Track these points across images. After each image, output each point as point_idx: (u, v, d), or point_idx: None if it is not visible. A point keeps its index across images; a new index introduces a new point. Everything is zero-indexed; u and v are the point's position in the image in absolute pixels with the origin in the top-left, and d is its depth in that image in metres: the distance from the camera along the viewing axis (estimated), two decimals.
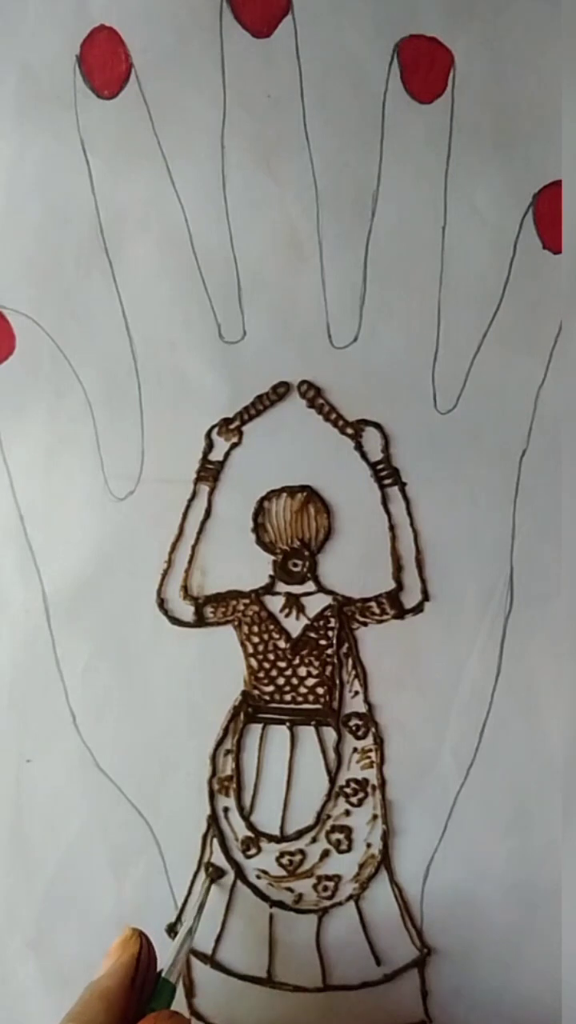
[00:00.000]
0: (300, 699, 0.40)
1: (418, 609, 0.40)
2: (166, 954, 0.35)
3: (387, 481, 0.40)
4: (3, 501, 0.41)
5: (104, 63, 0.40)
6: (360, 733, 0.40)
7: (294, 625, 0.40)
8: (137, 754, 0.40)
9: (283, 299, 0.40)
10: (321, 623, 0.40)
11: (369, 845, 0.40)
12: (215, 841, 0.40)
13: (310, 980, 0.40)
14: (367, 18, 0.40)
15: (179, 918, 0.40)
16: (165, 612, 0.40)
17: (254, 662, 0.40)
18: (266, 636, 0.40)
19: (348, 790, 0.40)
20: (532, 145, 0.40)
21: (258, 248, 0.40)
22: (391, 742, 0.40)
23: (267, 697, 0.40)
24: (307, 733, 0.40)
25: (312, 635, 0.40)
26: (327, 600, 0.40)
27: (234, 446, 0.40)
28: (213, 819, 0.40)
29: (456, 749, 0.40)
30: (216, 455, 0.40)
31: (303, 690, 0.40)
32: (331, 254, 0.40)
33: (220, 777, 0.40)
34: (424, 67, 0.40)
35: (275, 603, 0.40)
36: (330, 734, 0.40)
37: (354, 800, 0.40)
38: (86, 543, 0.41)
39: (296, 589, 0.40)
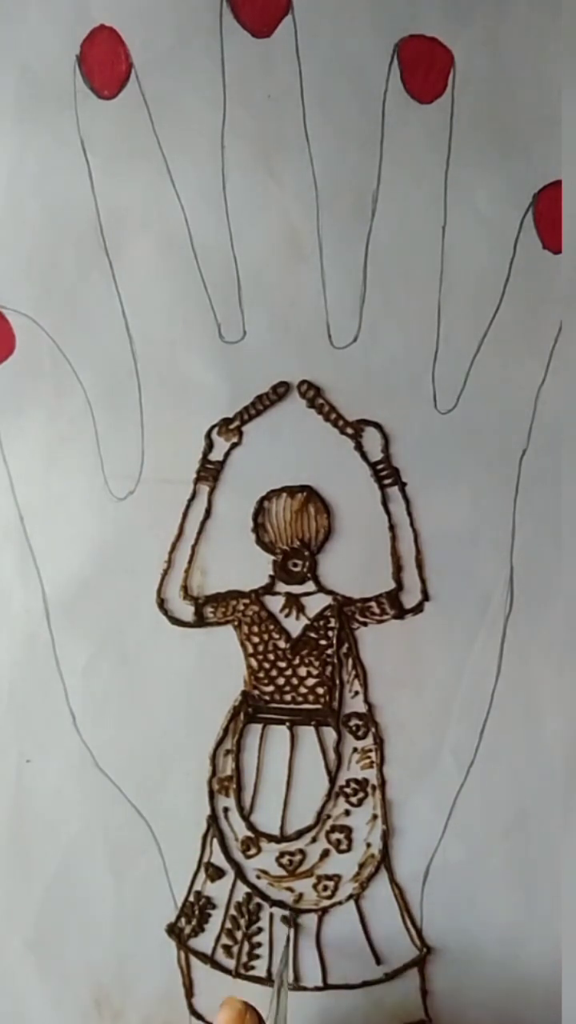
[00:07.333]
0: (300, 699, 0.40)
1: (418, 609, 0.40)
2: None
3: (387, 481, 0.40)
4: (3, 501, 0.41)
5: (104, 63, 0.40)
6: (360, 733, 0.40)
7: (294, 625, 0.40)
8: (137, 754, 0.40)
9: (283, 299, 0.40)
10: (321, 623, 0.40)
11: (369, 845, 0.40)
12: (215, 841, 0.40)
13: (310, 980, 0.40)
14: (367, 18, 0.40)
15: (179, 918, 0.40)
16: (165, 612, 0.40)
17: (254, 662, 0.40)
18: (266, 636, 0.40)
19: (348, 790, 0.40)
20: (532, 145, 0.40)
21: (258, 248, 0.40)
22: (391, 742, 0.40)
23: (267, 697, 0.40)
24: (307, 733, 0.40)
25: (312, 635, 0.40)
26: (327, 600, 0.40)
27: (234, 446, 0.40)
28: (213, 819, 0.40)
29: (456, 749, 0.40)
30: (216, 455, 0.40)
31: (303, 690, 0.40)
32: (331, 254, 0.40)
33: (220, 777, 0.40)
34: (424, 67, 0.40)
35: (275, 603, 0.40)
36: (330, 734, 0.40)
37: (354, 800, 0.40)
38: (86, 543, 0.41)
39: (296, 589, 0.40)
